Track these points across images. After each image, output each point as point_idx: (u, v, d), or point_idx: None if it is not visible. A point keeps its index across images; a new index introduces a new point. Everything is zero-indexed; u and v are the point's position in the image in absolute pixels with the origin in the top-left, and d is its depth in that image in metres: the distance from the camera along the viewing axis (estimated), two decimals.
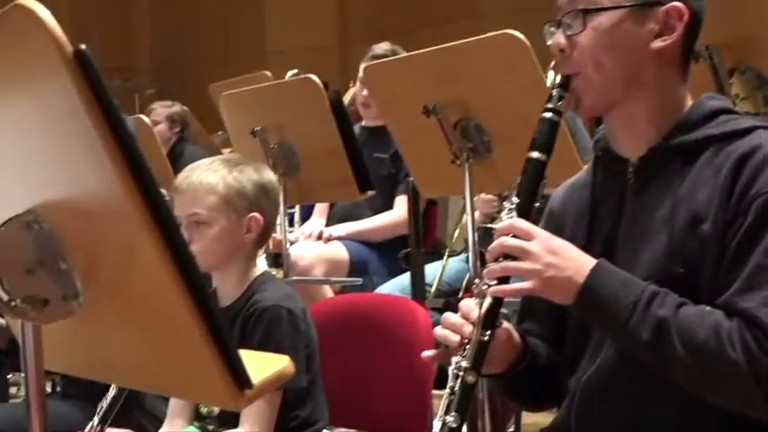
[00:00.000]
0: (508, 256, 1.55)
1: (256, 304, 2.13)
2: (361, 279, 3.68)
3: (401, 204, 3.90)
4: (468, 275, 3.67)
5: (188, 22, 9.84)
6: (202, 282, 1.00)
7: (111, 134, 0.96)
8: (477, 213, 3.06)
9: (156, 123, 6.20)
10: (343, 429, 2.35)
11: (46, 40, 0.95)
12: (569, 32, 1.64)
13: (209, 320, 1.00)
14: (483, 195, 3.52)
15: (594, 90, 1.64)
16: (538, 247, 1.53)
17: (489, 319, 1.57)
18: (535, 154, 1.65)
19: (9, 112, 1.11)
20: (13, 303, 1.19)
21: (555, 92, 1.67)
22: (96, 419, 2.11)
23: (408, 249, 3.35)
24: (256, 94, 3.66)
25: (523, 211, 1.60)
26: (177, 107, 6.45)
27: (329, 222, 4.16)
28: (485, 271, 1.58)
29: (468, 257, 3.65)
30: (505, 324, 1.63)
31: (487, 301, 1.56)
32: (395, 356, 2.29)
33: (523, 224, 1.57)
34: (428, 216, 3.96)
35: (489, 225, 3.49)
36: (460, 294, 3.60)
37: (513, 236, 1.55)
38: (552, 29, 1.68)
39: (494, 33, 2.63)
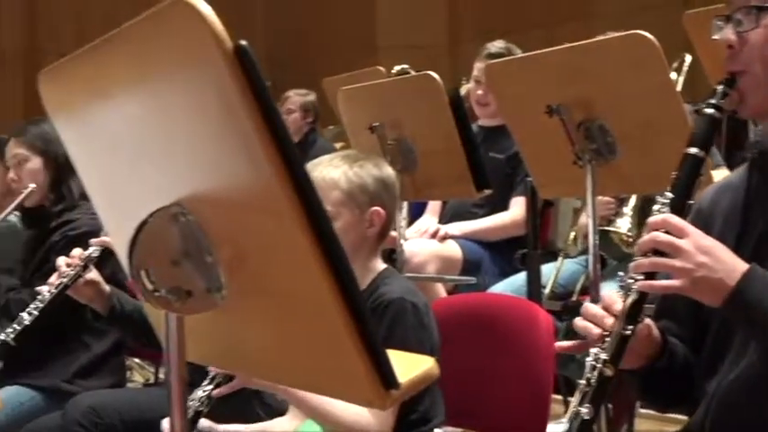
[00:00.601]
0: (658, 251, 1.53)
1: (381, 297, 2.14)
2: (475, 278, 3.67)
3: (518, 205, 3.88)
4: (583, 278, 3.63)
5: (301, 17, 9.94)
6: (353, 277, 1.00)
7: (267, 130, 0.96)
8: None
9: (290, 112, 6.22)
10: (457, 429, 2.33)
11: (206, 34, 0.95)
12: (740, 29, 1.60)
13: (357, 317, 1.00)
14: (600, 197, 3.47)
15: (761, 90, 1.60)
16: (690, 245, 1.50)
17: (633, 314, 1.56)
18: (693, 150, 1.62)
19: (160, 104, 1.13)
20: (157, 294, 1.21)
21: (719, 88, 1.63)
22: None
23: (525, 250, 3.32)
24: (374, 89, 3.66)
25: (677, 208, 1.58)
26: (312, 96, 6.36)
27: (440, 221, 4.16)
28: (631, 265, 1.57)
29: (585, 259, 3.61)
30: (647, 320, 1.61)
31: (632, 295, 1.54)
32: (514, 358, 2.27)
33: (677, 220, 1.55)
34: (542, 217, 3.92)
35: (606, 228, 3.45)
36: (574, 297, 3.56)
37: (666, 231, 1.53)
38: (720, 23, 1.64)
39: (623, 33, 2.59)
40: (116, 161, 1.31)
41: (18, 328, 2.83)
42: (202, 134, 1.09)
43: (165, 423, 2.19)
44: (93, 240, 2.84)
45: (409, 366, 1.06)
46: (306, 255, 0.99)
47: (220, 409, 2.17)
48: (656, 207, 1.60)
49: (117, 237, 1.45)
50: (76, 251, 2.81)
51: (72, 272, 2.78)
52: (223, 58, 0.95)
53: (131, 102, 1.18)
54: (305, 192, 0.98)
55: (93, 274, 2.81)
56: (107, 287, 2.85)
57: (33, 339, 3.27)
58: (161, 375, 4.26)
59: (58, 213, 3.41)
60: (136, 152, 1.23)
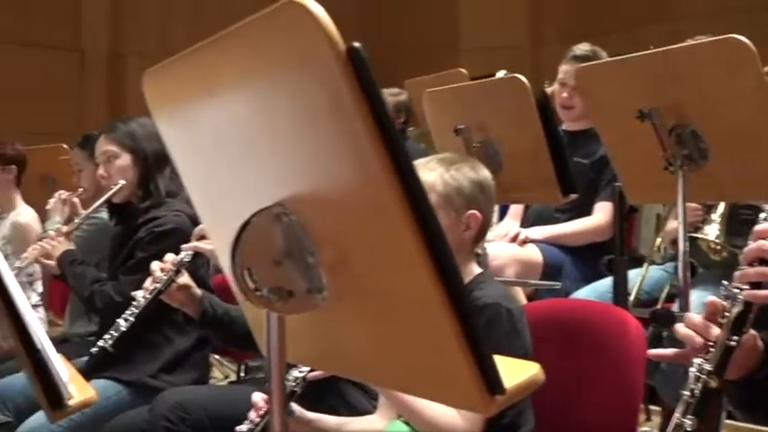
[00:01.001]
0: (764, 260, 1.50)
1: (476, 301, 2.12)
2: (560, 283, 3.64)
3: (602, 211, 3.84)
4: (668, 285, 3.58)
5: (384, 20, 9.97)
6: (460, 279, 1.00)
7: (378, 132, 0.96)
8: (676, 222, 2.97)
9: None
10: None
11: (318, 35, 0.96)
12: None
13: (464, 319, 0.99)
14: (687, 204, 3.42)
15: None
16: None
17: (738, 324, 1.53)
18: None
19: (266, 104, 1.13)
20: (259, 293, 1.22)
21: None
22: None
23: (611, 256, 3.28)
24: (460, 91, 3.65)
25: None
26: (404, 96, 6.29)
27: (522, 225, 4.13)
28: (737, 274, 1.54)
29: (671, 266, 3.55)
30: (752, 330, 1.57)
31: (738, 305, 1.52)
32: (604, 366, 2.24)
33: None
34: (627, 223, 3.87)
35: (694, 235, 3.39)
36: (659, 304, 3.51)
37: None
38: None
39: (718, 37, 2.54)
40: (218, 160, 1.32)
41: (115, 334, 2.88)
42: (308, 135, 1.09)
43: (256, 396, 2.20)
44: (184, 246, 2.87)
45: (514, 372, 1.05)
46: (413, 256, 0.99)
47: (301, 397, 2.19)
48: (762, 215, 1.57)
49: (216, 234, 1.47)
50: (169, 256, 2.85)
51: (165, 277, 2.81)
52: (336, 59, 0.95)
53: (237, 101, 1.19)
54: (415, 194, 0.97)
55: (185, 279, 2.84)
56: (198, 291, 2.88)
57: (121, 333, 3.34)
58: (242, 374, 4.30)
59: (145, 210, 3.47)
60: (240, 152, 1.25)
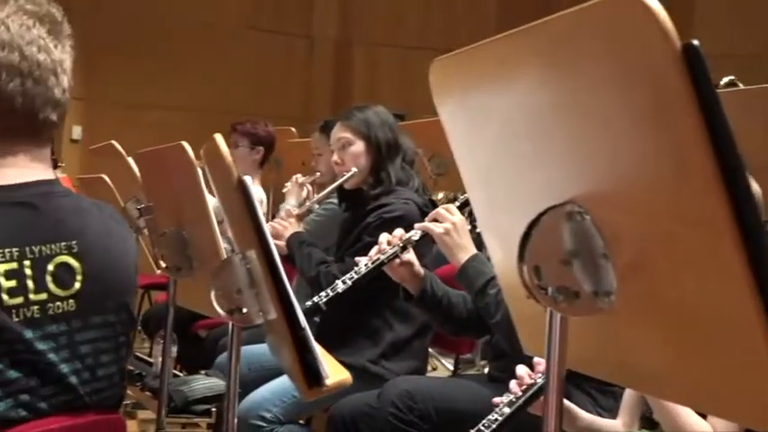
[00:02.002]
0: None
1: None
2: None
3: None
4: None
5: None
6: None
7: (710, 139, 0.91)
8: None
9: None
10: None
11: (653, 31, 0.92)
12: None
13: None
14: None
15: None
16: None
17: None
18: None
19: (574, 99, 1.10)
20: (544, 291, 1.19)
21: None
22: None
23: None
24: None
25: None
26: None
27: None
28: None
29: None
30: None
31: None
32: None
33: None
34: None
35: None
36: None
37: None
38: None
39: None
40: (504, 153, 1.30)
41: (331, 293, 2.91)
42: (620, 133, 1.05)
43: (521, 370, 2.18)
44: (417, 225, 2.89)
45: None
46: (733, 270, 0.93)
47: None
48: None
49: (493, 227, 1.45)
50: (398, 231, 2.87)
51: (391, 250, 2.83)
52: (670, 56, 0.91)
53: (539, 95, 1.16)
54: (744, 206, 0.92)
55: (410, 256, 2.85)
56: (422, 270, 2.89)
57: (342, 315, 3.40)
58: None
59: (375, 197, 3.51)
60: (532, 145, 1.22)
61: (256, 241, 1.68)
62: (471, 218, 3.07)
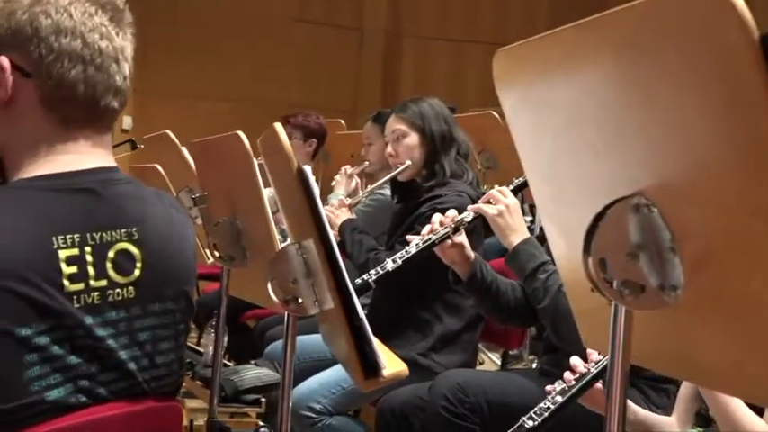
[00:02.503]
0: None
1: None
2: None
3: None
4: None
5: None
6: None
7: None
8: None
9: None
10: None
11: (731, 21, 0.90)
12: None
13: None
14: None
15: None
16: None
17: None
18: None
19: (647, 89, 1.09)
20: (609, 284, 1.18)
21: None
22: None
23: None
24: None
25: None
26: None
27: None
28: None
29: None
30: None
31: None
32: None
33: None
34: None
35: None
36: None
37: None
38: None
39: None
40: (571, 145, 1.29)
41: (381, 271, 2.91)
42: (692, 124, 1.04)
43: (575, 359, 2.17)
44: (470, 207, 2.88)
45: None
46: None
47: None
48: None
49: (555, 218, 1.44)
50: (451, 212, 2.86)
51: (442, 231, 2.82)
52: (749, 47, 0.90)
53: (609, 86, 1.15)
54: None
55: (461, 238, 2.84)
56: (472, 253, 2.87)
57: (392, 306, 3.39)
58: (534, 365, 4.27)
59: (428, 189, 3.51)
60: (600, 137, 1.21)
61: (315, 231, 1.68)
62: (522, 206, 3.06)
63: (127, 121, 8.35)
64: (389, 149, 3.64)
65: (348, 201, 4.03)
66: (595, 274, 1.18)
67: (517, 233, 2.77)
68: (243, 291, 2.64)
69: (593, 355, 2.12)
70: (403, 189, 3.72)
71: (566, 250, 1.40)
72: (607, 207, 1.17)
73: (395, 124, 3.61)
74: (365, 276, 2.91)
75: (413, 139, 3.57)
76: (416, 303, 3.44)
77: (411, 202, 3.59)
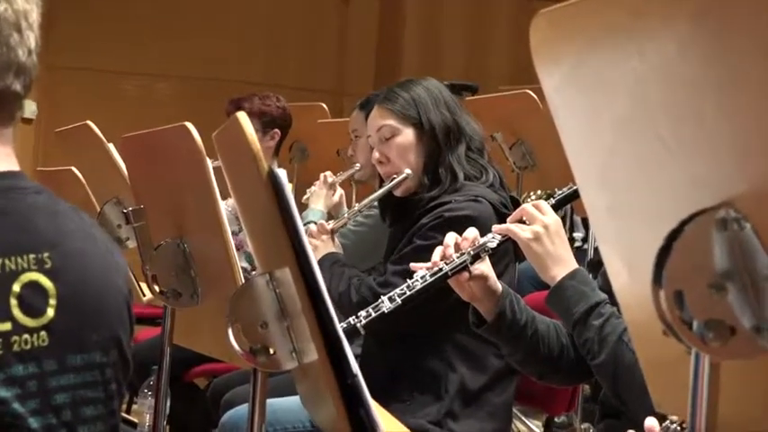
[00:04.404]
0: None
1: None
2: None
3: None
4: None
5: None
6: None
7: None
8: None
9: None
10: None
11: None
12: None
13: None
14: None
15: None
16: None
17: None
18: None
19: (743, 70, 1.11)
20: (687, 325, 1.21)
21: None
22: None
23: None
24: None
25: None
26: None
27: None
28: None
29: None
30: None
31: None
32: None
33: None
34: None
35: None
36: None
37: None
38: None
39: None
40: (636, 140, 1.31)
41: (373, 313, 2.88)
42: None
43: (651, 421, 2.18)
44: (496, 227, 2.80)
45: None
46: None
47: None
48: None
49: (612, 237, 1.47)
50: (471, 232, 2.81)
51: (459, 259, 2.76)
52: None
53: (688, 60, 1.17)
54: None
55: (484, 267, 2.76)
56: (499, 285, 2.79)
57: (389, 355, 3.39)
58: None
59: (430, 200, 3.46)
60: (676, 130, 1.23)
61: (292, 256, 1.69)
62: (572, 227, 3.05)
63: (30, 108, 8.35)
64: (376, 154, 3.61)
65: (330, 224, 3.97)
66: (669, 313, 1.20)
67: (560, 263, 2.69)
68: (192, 339, 2.64)
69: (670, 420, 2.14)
70: (397, 206, 3.70)
71: (629, 282, 1.41)
72: (684, 223, 1.19)
73: (379, 119, 3.59)
74: (352, 320, 2.88)
75: (406, 136, 3.52)
76: (422, 351, 3.41)
77: (409, 221, 3.56)
